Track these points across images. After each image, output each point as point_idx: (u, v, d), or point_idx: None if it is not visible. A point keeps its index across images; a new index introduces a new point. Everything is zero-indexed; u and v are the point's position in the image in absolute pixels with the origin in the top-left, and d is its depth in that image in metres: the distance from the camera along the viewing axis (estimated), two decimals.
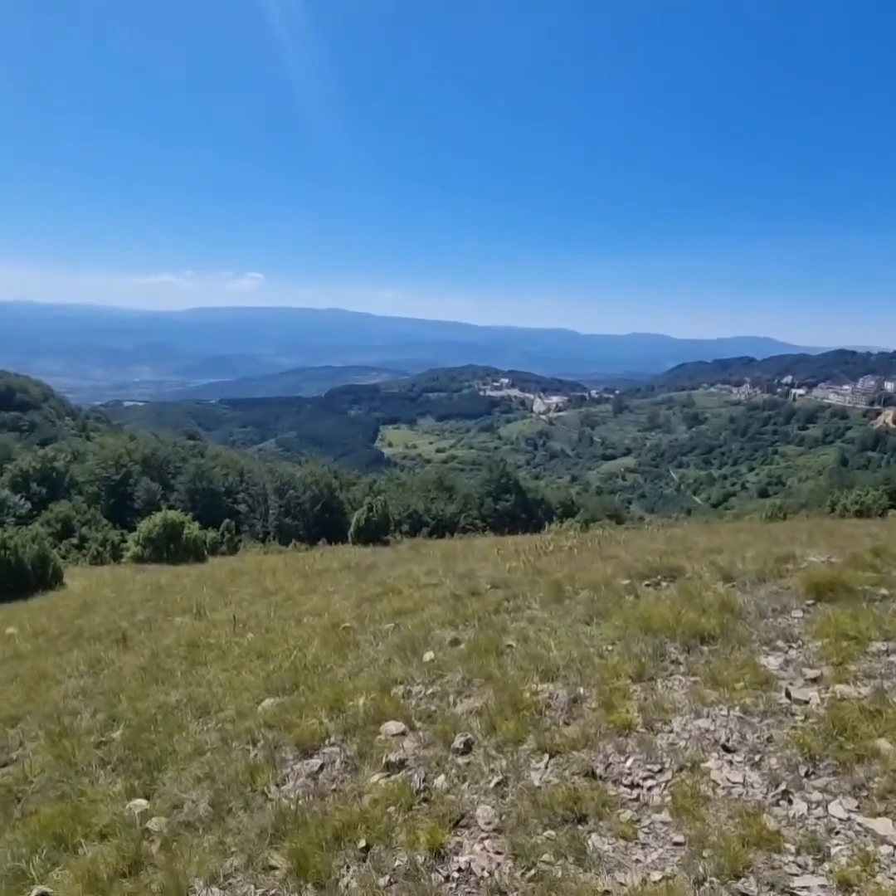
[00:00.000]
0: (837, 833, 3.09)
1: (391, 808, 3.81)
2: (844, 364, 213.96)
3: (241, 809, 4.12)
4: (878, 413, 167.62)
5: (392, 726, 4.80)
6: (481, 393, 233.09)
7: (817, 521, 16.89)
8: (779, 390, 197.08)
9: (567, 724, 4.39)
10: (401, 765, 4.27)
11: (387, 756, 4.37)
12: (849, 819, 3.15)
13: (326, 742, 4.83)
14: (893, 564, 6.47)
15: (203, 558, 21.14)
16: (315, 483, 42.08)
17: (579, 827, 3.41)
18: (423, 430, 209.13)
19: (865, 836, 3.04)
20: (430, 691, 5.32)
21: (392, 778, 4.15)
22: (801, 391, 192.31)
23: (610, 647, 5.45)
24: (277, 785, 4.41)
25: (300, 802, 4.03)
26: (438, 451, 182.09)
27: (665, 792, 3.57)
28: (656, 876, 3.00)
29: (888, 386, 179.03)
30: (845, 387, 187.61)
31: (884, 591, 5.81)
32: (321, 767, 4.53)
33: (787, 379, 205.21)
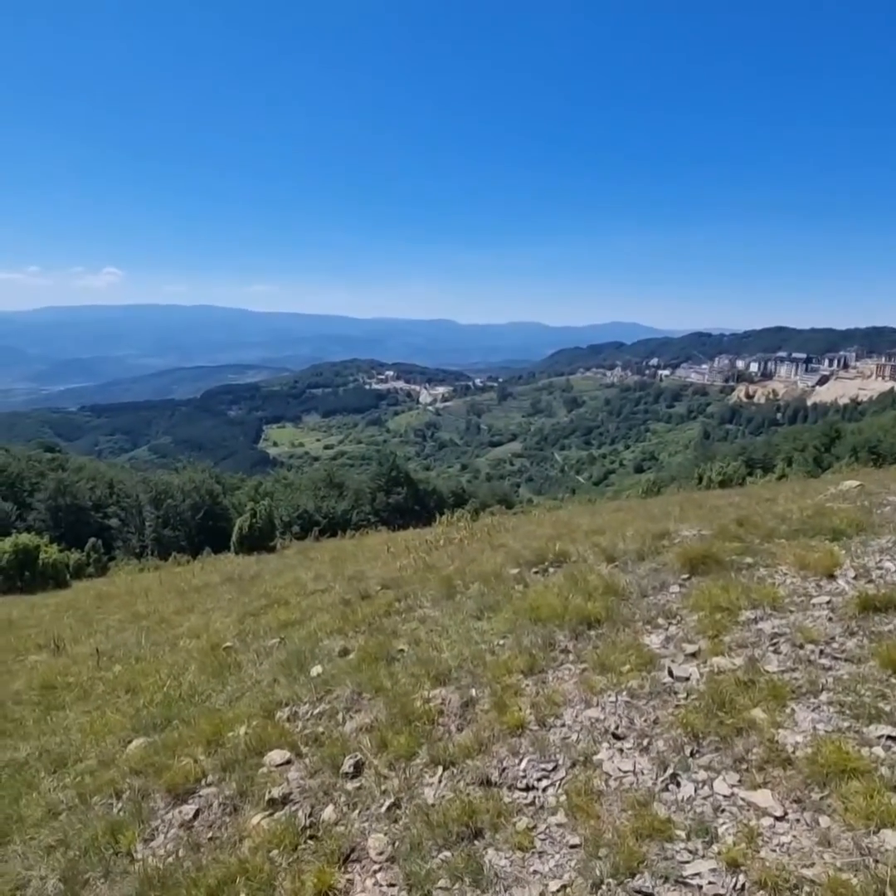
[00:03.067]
0: (723, 811, 3.13)
1: (274, 852, 3.48)
2: (702, 345, 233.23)
3: (100, 879, 3.62)
4: (733, 389, 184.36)
5: (276, 755, 4.44)
6: (367, 387, 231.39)
7: (687, 494, 18.04)
8: (647, 372, 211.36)
9: (460, 730, 4.23)
10: (285, 800, 3.93)
11: (270, 791, 4.01)
12: (732, 795, 3.21)
13: (203, 783, 4.39)
14: (755, 533, 6.88)
15: (65, 584, 19.20)
16: (195, 490, 39.70)
17: (475, 843, 3.25)
18: (309, 427, 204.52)
19: (748, 810, 3.10)
20: (317, 710, 4.99)
21: (275, 816, 3.81)
22: (666, 372, 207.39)
23: (501, 642, 5.36)
24: (146, 841, 3.94)
25: (171, 860, 3.60)
26: (326, 447, 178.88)
27: (560, 791, 3.49)
28: (555, 886, 2.90)
29: (739, 364, 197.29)
30: (703, 366, 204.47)
31: (748, 559, 6.15)
32: (197, 814, 4.10)
33: (654, 361, 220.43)
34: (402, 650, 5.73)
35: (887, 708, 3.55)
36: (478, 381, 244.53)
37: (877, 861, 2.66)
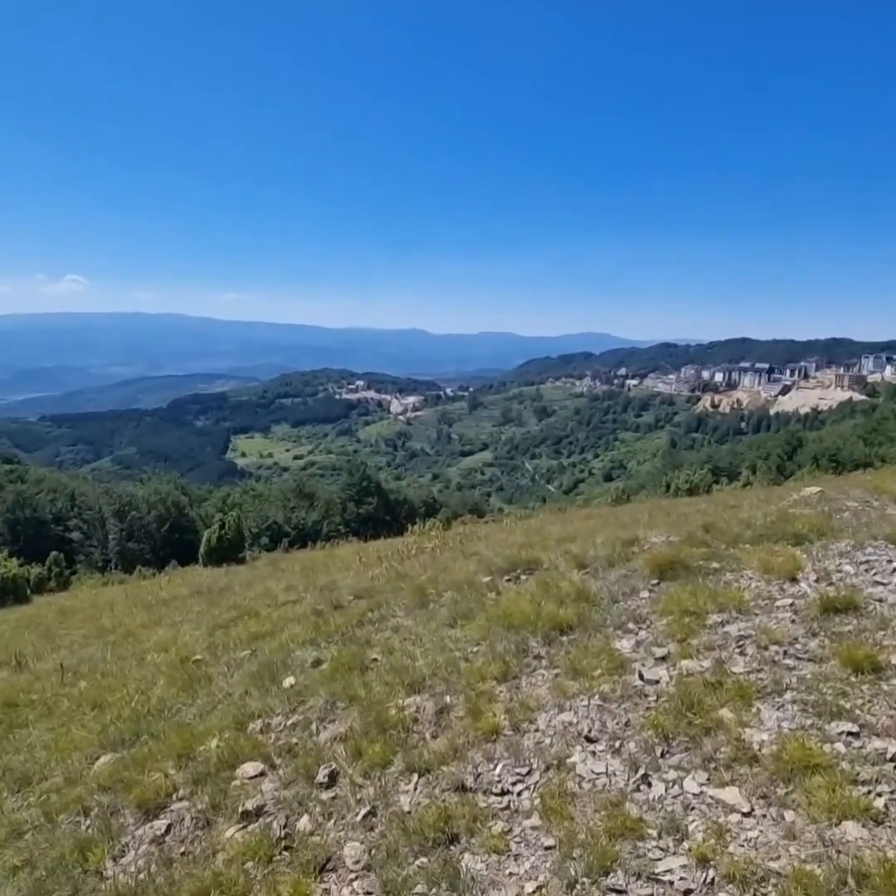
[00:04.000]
0: (692, 809, 3.20)
1: (249, 864, 3.45)
2: (669, 355, 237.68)
3: None
4: (699, 398, 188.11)
5: (249, 767, 4.39)
6: (337, 396, 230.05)
7: (655, 502, 18.35)
8: (615, 381, 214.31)
9: (435, 737, 4.25)
10: (259, 811, 3.89)
11: (243, 804, 3.97)
12: (701, 793, 3.29)
13: (174, 797, 4.32)
14: (722, 539, 7.06)
15: (26, 599, 18.67)
16: (160, 501, 39.03)
17: (452, 848, 3.27)
18: (279, 437, 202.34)
19: (717, 807, 3.18)
20: (291, 721, 4.96)
21: (249, 828, 3.77)
22: (634, 381, 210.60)
23: (474, 649, 5.41)
24: (115, 858, 3.86)
25: (142, 876, 3.53)
26: (296, 457, 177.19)
27: (534, 794, 3.53)
28: (530, 887, 2.93)
29: (705, 374, 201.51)
30: (670, 376, 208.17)
31: (715, 564, 6.32)
32: (168, 828, 4.03)
33: (622, 371, 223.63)
34: (375, 659, 5.73)
35: (848, 705, 3.68)
36: (449, 391, 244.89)
37: (839, 852, 2.76)
